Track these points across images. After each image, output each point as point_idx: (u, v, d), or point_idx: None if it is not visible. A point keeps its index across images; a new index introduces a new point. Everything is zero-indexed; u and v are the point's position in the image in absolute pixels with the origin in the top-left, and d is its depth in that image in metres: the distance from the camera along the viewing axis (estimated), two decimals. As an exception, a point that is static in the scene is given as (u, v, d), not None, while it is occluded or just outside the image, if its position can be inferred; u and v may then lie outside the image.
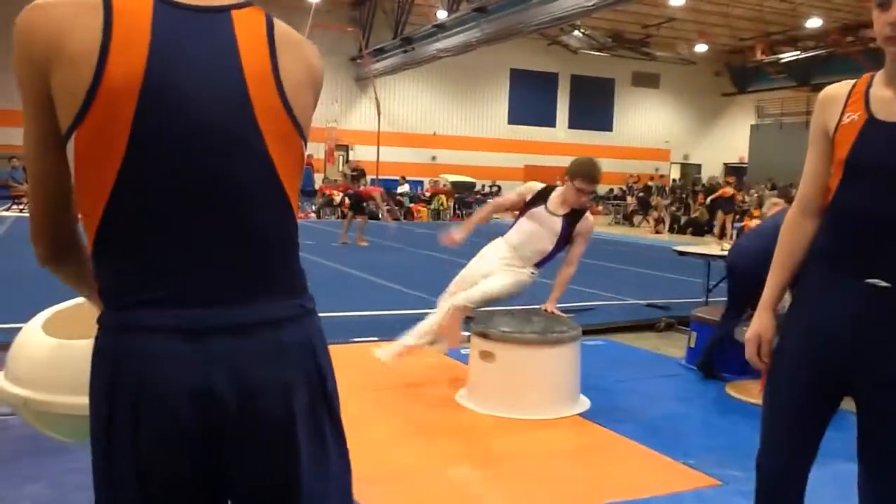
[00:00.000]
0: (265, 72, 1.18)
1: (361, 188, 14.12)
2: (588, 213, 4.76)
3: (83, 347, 1.45)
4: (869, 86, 1.84)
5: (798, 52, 27.51)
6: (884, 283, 1.77)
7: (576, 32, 28.16)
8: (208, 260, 1.15)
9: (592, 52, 29.95)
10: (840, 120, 1.85)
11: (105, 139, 1.10)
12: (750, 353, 2.06)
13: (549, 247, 4.69)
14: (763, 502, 2.08)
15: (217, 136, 1.14)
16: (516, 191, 4.95)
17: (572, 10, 16.92)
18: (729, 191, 19.19)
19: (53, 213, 1.22)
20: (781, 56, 28.56)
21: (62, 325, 1.55)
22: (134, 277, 1.14)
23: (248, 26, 1.20)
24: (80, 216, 1.19)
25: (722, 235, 17.70)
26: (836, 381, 1.90)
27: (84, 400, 1.40)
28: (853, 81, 1.89)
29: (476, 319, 4.70)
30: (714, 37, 28.61)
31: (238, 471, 1.18)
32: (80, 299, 1.69)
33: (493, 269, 4.70)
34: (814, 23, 24.70)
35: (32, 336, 1.50)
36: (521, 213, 4.79)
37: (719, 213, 18.92)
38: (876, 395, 1.84)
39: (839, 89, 1.90)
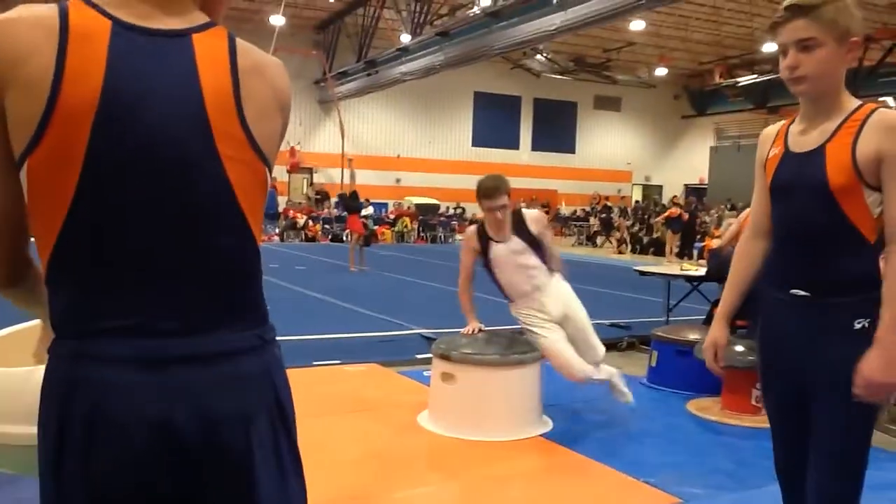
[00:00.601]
0: (226, 98, 1.15)
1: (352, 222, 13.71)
2: (525, 212, 4.61)
3: (23, 375, 1.42)
4: (791, 123, 2.11)
5: (755, 76, 28.06)
6: (802, 293, 2.00)
7: (538, 56, 28.47)
8: (166, 288, 1.12)
9: (555, 76, 30.29)
10: (768, 154, 2.14)
11: (59, 165, 1.07)
12: (708, 360, 2.31)
13: (534, 259, 4.51)
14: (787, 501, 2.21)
15: (174, 162, 1.11)
16: (462, 253, 4.71)
17: (535, 35, 17.09)
18: (676, 211, 19.79)
19: (9, 237, 1.18)
20: (739, 80, 29.14)
21: (13, 348, 1.50)
22: (89, 305, 1.11)
23: (209, 51, 1.16)
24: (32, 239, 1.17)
25: (671, 253, 18.50)
26: (796, 384, 2.08)
27: (25, 430, 1.36)
28: (785, 121, 2.15)
29: (437, 341, 4.69)
30: (673, 60, 29.12)
31: (197, 502, 1.16)
32: (10, 328, 1.65)
33: (548, 323, 4.53)
34: (770, 47, 25.24)
35: None
36: (488, 268, 4.61)
37: (669, 233, 19.43)
38: (818, 395, 2.02)
39: (773, 129, 2.18)
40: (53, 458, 1.11)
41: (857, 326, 1.93)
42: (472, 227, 4.75)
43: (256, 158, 1.18)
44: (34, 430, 1.26)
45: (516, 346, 4.48)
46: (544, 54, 28.34)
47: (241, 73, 1.17)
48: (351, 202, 13.90)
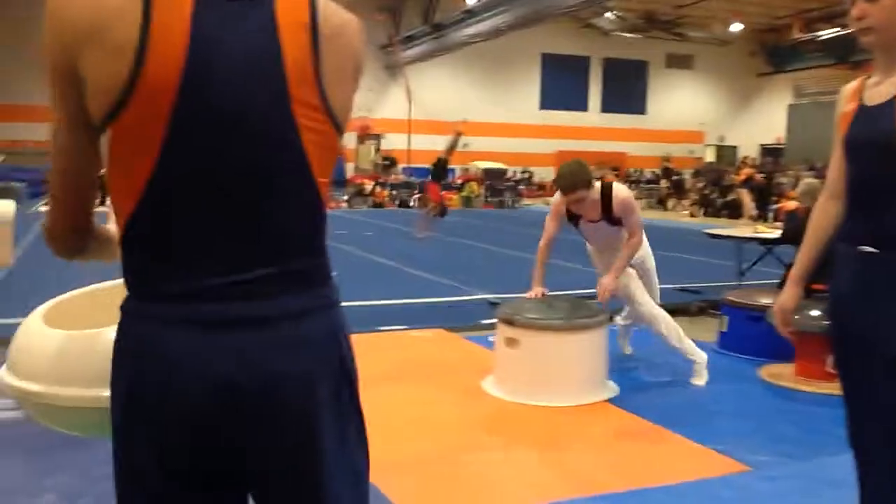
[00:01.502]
0: (305, 65, 1.14)
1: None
2: (615, 191, 4.53)
3: (89, 338, 1.45)
4: (869, 77, 2.06)
5: (837, 30, 26.76)
6: (869, 249, 1.97)
7: (607, 14, 27.74)
8: (234, 254, 1.13)
9: (625, 34, 29.51)
10: (844, 110, 2.09)
11: (141, 134, 1.08)
12: (777, 324, 2.31)
13: (616, 232, 4.64)
14: (863, 477, 2.12)
15: (253, 131, 1.12)
16: (548, 217, 4.70)
17: (603, -8, 16.72)
18: (748, 171, 19.32)
19: (78, 199, 1.20)
20: (819, 34, 27.89)
21: (63, 317, 1.55)
22: (160, 269, 1.13)
23: (290, 12, 1.14)
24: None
25: (747, 216, 17.85)
26: (865, 345, 2.01)
27: (90, 392, 1.40)
28: (864, 76, 2.10)
29: (501, 305, 4.67)
30: (748, 15, 28.04)
31: (259, 462, 1.18)
32: (79, 291, 1.69)
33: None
34: (852, -2, 24.10)
35: (34, 328, 1.50)
36: (576, 225, 4.70)
37: (744, 193, 18.83)
38: (884, 356, 1.96)
39: (851, 85, 2.13)
40: (126, 417, 1.15)
41: None
42: (560, 196, 4.58)
43: (331, 127, 1.17)
44: (101, 392, 1.29)
45: (581, 311, 4.43)
46: (614, 12, 27.63)
47: (322, 37, 1.15)
48: (439, 170, 13.92)
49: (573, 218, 4.61)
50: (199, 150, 1.10)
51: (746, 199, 18.67)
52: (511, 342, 4.44)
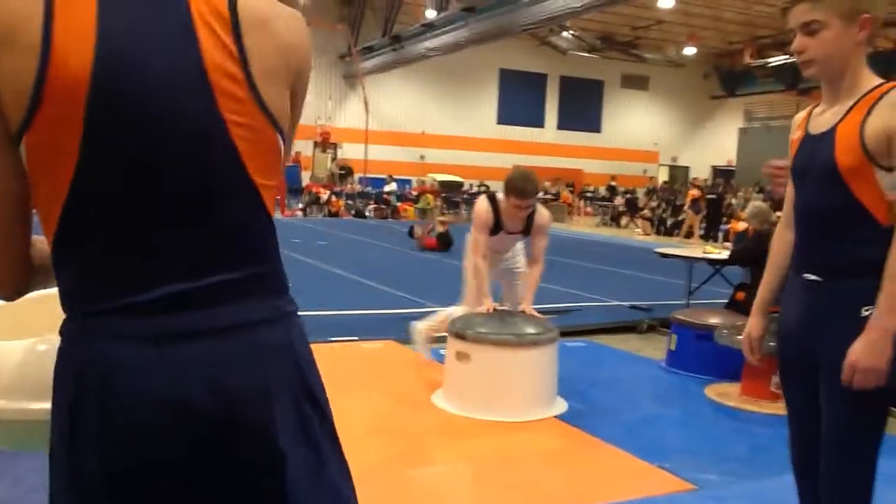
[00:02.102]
0: (226, 56, 1.07)
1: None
2: (540, 211, 4.70)
3: (23, 348, 1.39)
4: (815, 106, 2.09)
5: (786, 57, 27.54)
6: (813, 277, 2.00)
7: (565, 33, 28.13)
8: (174, 261, 1.07)
9: (582, 54, 29.93)
10: (792, 138, 2.13)
11: (56, 140, 1.02)
12: (745, 351, 2.33)
13: (522, 257, 4.98)
14: (803, 499, 2.19)
15: (177, 128, 1.05)
16: (475, 230, 4.69)
17: (561, 11, 16.89)
18: (695, 192, 19.77)
19: (10, 223, 1.11)
20: (769, 60, 28.63)
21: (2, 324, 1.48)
22: (95, 283, 1.06)
23: (206, 1, 1.08)
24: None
25: (689, 235, 18.48)
26: (807, 370, 2.05)
27: (25, 405, 1.33)
28: (812, 105, 2.14)
29: (454, 320, 4.66)
30: (703, 39, 28.65)
31: (218, 481, 1.10)
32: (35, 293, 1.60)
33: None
34: (802, 27, 24.75)
35: None
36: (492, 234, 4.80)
37: (691, 214, 19.35)
38: (823, 382, 2.00)
39: (800, 114, 2.16)
40: (68, 438, 1.07)
41: (865, 314, 1.87)
42: (486, 205, 4.64)
43: (266, 123, 1.10)
44: (35, 405, 1.23)
45: (532, 326, 4.43)
46: (571, 31, 27.99)
47: (244, 26, 1.08)
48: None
49: (494, 228, 4.66)
50: (118, 150, 1.04)
51: (693, 220, 19.08)
52: (462, 356, 4.42)
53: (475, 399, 4.35)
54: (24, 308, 1.56)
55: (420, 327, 5.26)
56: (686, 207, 20.44)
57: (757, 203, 7.15)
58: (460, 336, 4.41)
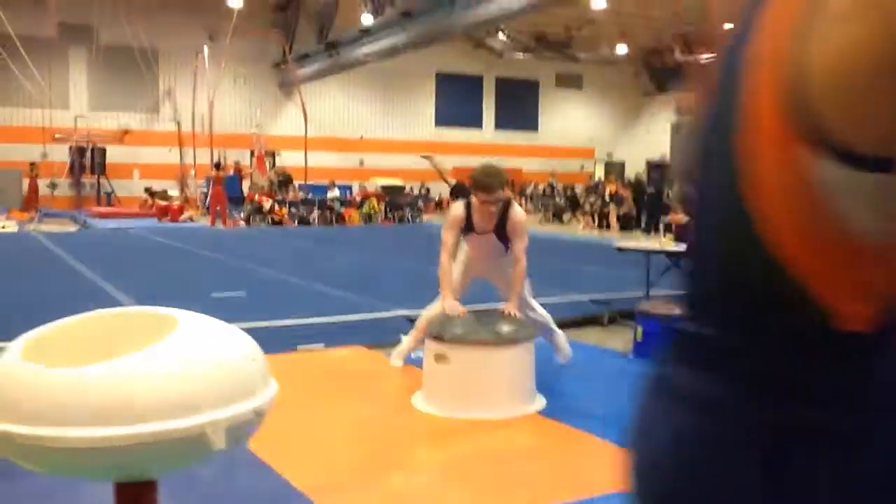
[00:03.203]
0: None
1: None
2: (514, 210, 4.69)
3: (70, 376, 1.35)
4: None
5: (714, 55, 28.33)
6: None
7: (500, 35, 28.38)
8: None
9: (517, 55, 30.24)
10: None
11: None
12: None
13: (503, 258, 4.85)
14: None
15: None
16: (445, 230, 4.76)
17: (497, 14, 17.04)
18: (613, 187, 21.21)
19: None
20: (699, 57, 29.38)
21: (44, 350, 1.43)
22: None
23: None
24: None
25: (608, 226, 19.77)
26: None
27: (69, 433, 1.29)
28: None
29: (430, 322, 4.67)
30: (634, 37, 29.22)
31: None
32: (60, 322, 1.54)
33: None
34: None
35: (10, 363, 1.38)
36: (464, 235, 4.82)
37: (612, 207, 20.56)
38: None
39: None
40: None
41: None
42: (460, 206, 4.71)
43: None
44: (73, 433, 1.20)
45: (509, 325, 4.47)
46: (506, 33, 28.25)
47: None
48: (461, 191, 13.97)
49: (466, 228, 4.70)
50: None
51: (613, 213, 19.86)
52: (440, 358, 4.43)
53: (456, 399, 4.37)
54: (65, 336, 1.51)
55: (405, 340, 5.33)
56: (606, 199, 21.49)
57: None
58: (438, 338, 4.43)
